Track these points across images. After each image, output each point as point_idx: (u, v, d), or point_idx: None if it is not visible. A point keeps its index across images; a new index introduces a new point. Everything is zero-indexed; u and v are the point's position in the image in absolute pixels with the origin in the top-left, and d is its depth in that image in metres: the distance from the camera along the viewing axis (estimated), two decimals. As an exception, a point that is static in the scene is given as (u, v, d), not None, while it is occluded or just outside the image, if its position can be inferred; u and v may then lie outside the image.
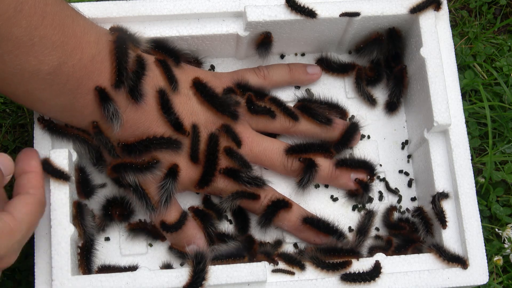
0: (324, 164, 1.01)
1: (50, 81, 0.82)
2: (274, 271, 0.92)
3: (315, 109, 1.03)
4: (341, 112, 1.06)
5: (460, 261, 0.93)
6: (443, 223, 0.96)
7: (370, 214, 1.01)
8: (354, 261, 0.93)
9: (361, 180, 1.02)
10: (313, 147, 1.01)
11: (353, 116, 1.08)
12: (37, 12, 0.78)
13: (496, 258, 1.08)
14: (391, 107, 1.08)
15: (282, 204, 0.98)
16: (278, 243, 1.00)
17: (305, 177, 0.99)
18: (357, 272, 0.92)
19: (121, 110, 0.89)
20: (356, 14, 0.99)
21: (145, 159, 0.92)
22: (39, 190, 0.85)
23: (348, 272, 0.91)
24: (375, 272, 0.92)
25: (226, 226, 1.02)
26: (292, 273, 0.91)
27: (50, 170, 0.91)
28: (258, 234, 1.01)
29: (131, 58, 0.89)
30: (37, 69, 0.80)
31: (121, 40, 0.88)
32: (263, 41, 1.01)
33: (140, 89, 0.90)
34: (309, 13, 0.98)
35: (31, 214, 0.82)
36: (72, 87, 0.85)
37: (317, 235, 0.99)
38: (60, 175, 0.91)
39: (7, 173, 0.85)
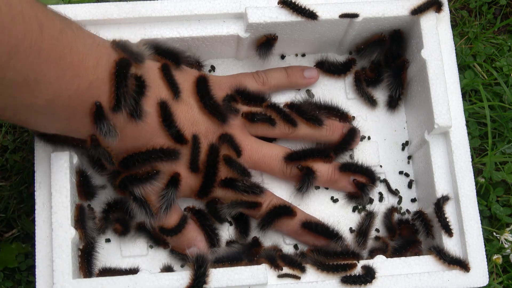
0: (323, 168, 1.01)
1: (46, 111, 0.80)
2: (280, 276, 0.91)
3: (305, 108, 1.02)
4: (342, 115, 1.06)
5: (461, 264, 0.93)
6: (449, 232, 0.96)
7: (370, 216, 1.01)
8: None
9: (358, 182, 1.02)
10: (312, 153, 1.00)
11: (353, 117, 1.08)
12: (33, 52, 0.74)
13: (495, 257, 1.08)
14: (391, 103, 1.08)
15: (285, 211, 0.98)
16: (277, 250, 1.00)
17: (304, 185, 0.99)
18: (357, 274, 0.92)
19: (121, 126, 0.87)
20: (355, 15, 0.99)
21: (145, 170, 0.92)
22: None
23: (348, 275, 0.92)
24: (369, 274, 0.92)
25: (227, 228, 1.02)
26: (298, 278, 0.92)
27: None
28: (258, 235, 1.02)
29: (131, 80, 0.86)
30: (31, 103, 0.78)
31: (123, 65, 0.85)
32: (267, 41, 1.01)
33: (140, 109, 0.88)
34: (310, 15, 0.98)
35: None
36: (68, 115, 0.83)
37: (316, 239, 0.99)
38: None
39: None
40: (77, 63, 0.80)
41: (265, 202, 0.98)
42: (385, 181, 1.06)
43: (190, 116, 0.95)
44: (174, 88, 0.93)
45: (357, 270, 0.92)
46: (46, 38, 0.75)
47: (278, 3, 0.98)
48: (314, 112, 1.02)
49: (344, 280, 0.91)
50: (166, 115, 0.91)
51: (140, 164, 0.91)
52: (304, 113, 1.01)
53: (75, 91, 0.81)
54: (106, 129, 0.85)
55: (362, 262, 0.93)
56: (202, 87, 0.96)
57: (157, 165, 0.93)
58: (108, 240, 1.00)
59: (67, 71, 0.79)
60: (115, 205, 0.98)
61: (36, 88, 0.76)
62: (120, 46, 0.87)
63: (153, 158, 0.91)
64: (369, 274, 0.92)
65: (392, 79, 1.07)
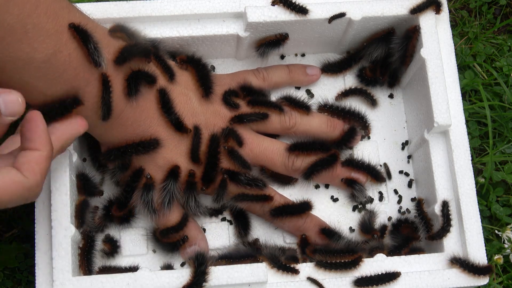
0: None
1: (46, 69, 0.81)
2: (309, 279, 0.92)
3: (294, 97, 1.03)
4: (363, 123, 1.06)
5: (483, 273, 0.93)
6: (436, 237, 0.96)
7: (371, 215, 1.02)
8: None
9: (347, 179, 1.02)
10: (314, 145, 1.01)
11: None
12: (30, 1, 0.77)
13: (496, 257, 1.08)
14: (392, 79, 1.08)
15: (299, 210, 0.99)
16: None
17: (322, 160, 1.00)
18: (365, 276, 0.92)
19: (121, 108, 0.88)
20: (342, 14, 0.99)
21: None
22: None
23: (360, 277, 0.92)
24: (389, 276, 0.92)
25: (227, 227, 1.03)
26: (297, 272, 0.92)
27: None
28: (259, 234, 1.02)
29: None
30: (31, 57, 0.79)
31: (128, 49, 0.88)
32: (276, 41, 1.01)
33: (137, 87, 0.89)
34: (300, 10, 0.98)
35: None
36: (69, 77, 0.83)
37: (318, 236, 1.00)
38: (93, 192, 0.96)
39: (8, 114, 0.74)
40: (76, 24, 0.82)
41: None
42: (385, 166, 1.06)
43: (189, 107, 0.95)
44: (167, 70, 0.94)
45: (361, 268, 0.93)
46: None
47: (272, 3, 0.98)
48: (305, 101, 1.03)
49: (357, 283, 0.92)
50: (164, 100, 0.92)
51: (125, 156, 0.92)
52: (293, 101, 1.02)
53: (74, 50, 0.82)
54: (94, 48, 0.83)
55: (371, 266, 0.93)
56: (196, 59, 0.98)
57: (158, 158, 0.93)
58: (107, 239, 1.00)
59: (66, 28, 0.81)
60: (115, 202, 0.99)
61: (35, 38, 0.78)
62: (118, 29, 0.90)
63: (130, 152, 0.91)
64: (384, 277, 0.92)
65: (399, 45, 1.04)
